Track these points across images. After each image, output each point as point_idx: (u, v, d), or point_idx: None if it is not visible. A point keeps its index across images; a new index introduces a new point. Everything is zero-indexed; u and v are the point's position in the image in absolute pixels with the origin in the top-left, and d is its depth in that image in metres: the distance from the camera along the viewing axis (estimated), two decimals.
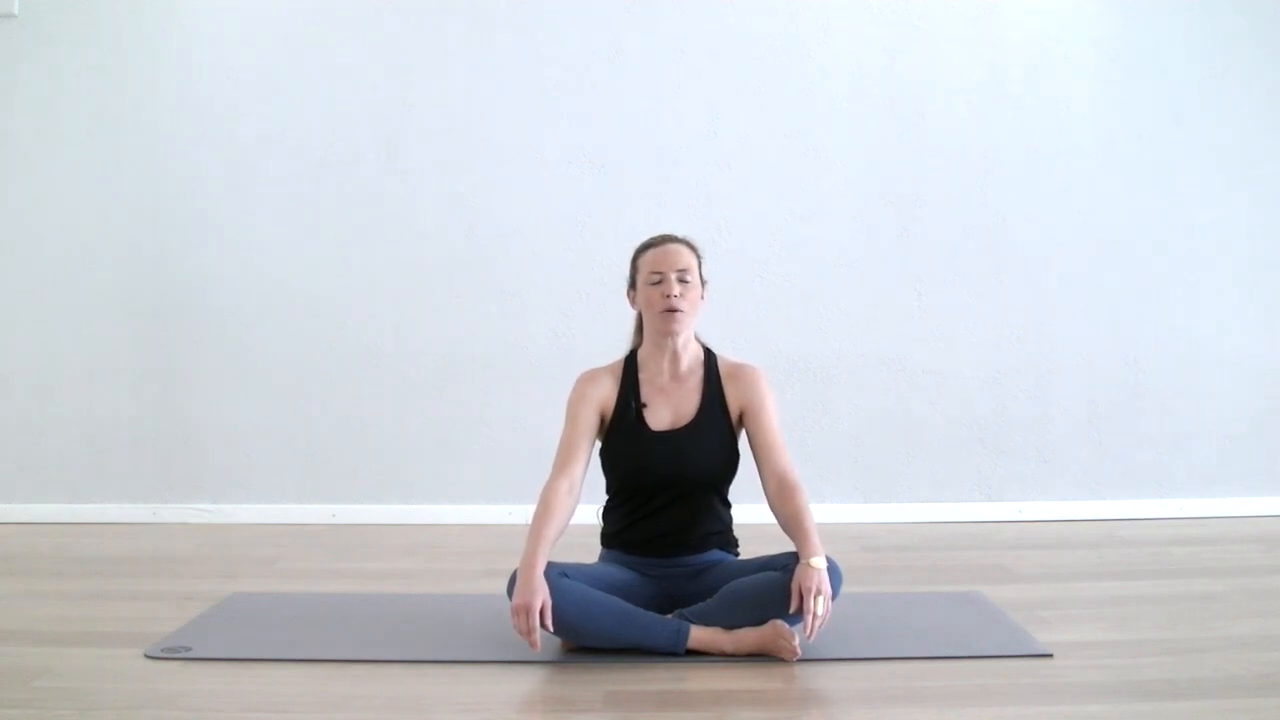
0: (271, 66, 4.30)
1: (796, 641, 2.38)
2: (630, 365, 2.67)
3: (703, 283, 2.63)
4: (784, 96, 4.27)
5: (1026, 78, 4.26)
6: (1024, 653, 2.46)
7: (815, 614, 2.33)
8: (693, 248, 2.64)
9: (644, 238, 2.69)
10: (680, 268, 2.57)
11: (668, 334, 2.59)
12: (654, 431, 2.60)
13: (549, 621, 2.36)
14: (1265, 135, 4.26)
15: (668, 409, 2.62)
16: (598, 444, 2.66)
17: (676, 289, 2.55)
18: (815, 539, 2.42)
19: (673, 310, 2.55)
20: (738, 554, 2.70)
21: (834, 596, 2.39)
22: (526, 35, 4.27)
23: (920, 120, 4.26)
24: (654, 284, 2.57)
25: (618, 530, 2.66)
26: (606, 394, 2.63)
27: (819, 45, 4.27)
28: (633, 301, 2.67)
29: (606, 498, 2.70)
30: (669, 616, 2.48)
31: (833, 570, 2.42)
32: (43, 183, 4.31)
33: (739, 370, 2.66)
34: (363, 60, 4.28)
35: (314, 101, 4.29)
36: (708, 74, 4.27)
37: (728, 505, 2.69)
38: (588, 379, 2.66)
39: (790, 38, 4.27)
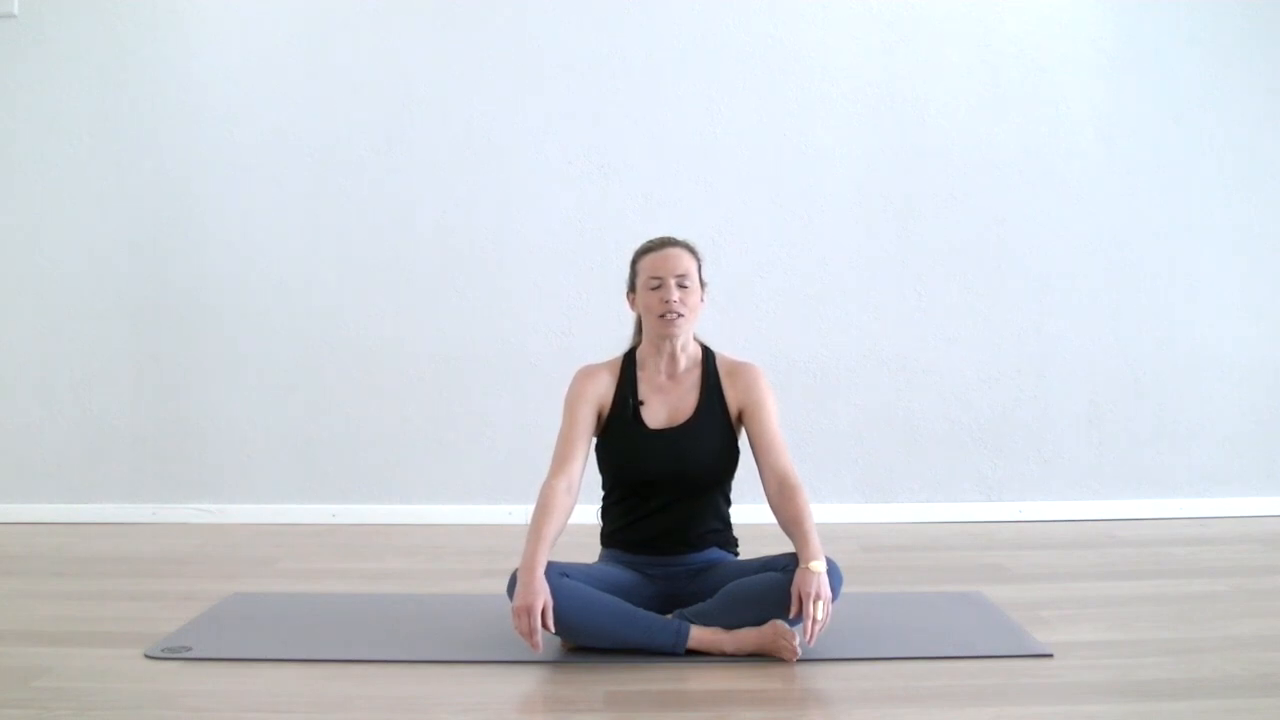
0: (271, 66, 4.30)
1: (797, 641, 2.38)
2: (629, 363, 2.67)
3: (702, 285, 2.63)
4: (784, 97, 4.27)
5: (1026, 77, 4.26)
6: (1024, 653, 2.46)
7: (815, 619, 2.33)
8: (692, 251, 2.64)
9: (644, 238, 2.69)
10: (679, 273, 2.56)
11: (667, 338, 2.59)
12: (651, 430, 2.60)
13: (550, 622, 2.36)
14: (1265, 135, 4.26)
15: (665, 407, 2.62)
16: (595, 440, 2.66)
17: (676, 294, 2.55)
18: (815, 541, 2.41)
19: (672, 316, 2.55)
20: (737, 554, 2.69)
21: (834, 599, 2.39)
22: (526, 36, 4.27)
23: (920, 120, 4.26)
24: (653, 289, 2.57)
25: (617, 529, 2.66)
26: (604, 390, 2.63)
27: (819, 45, 4.27)
28: (632, 304, 2.67)
29: (603, 494, 2.70)
30: (669, 616, 2.48)
31: (833, 572, 2.41)
32: (43, 183, 4.32)
33: (738, 369, 2.66)
34: (363, 60, 4.28)
35: (314, 101, 4.29)
36: (708, 75, 4.27)
37: (728, 502, 2.69)
38: (586, 375, 2.66)
39: (790, 38, 4.27)
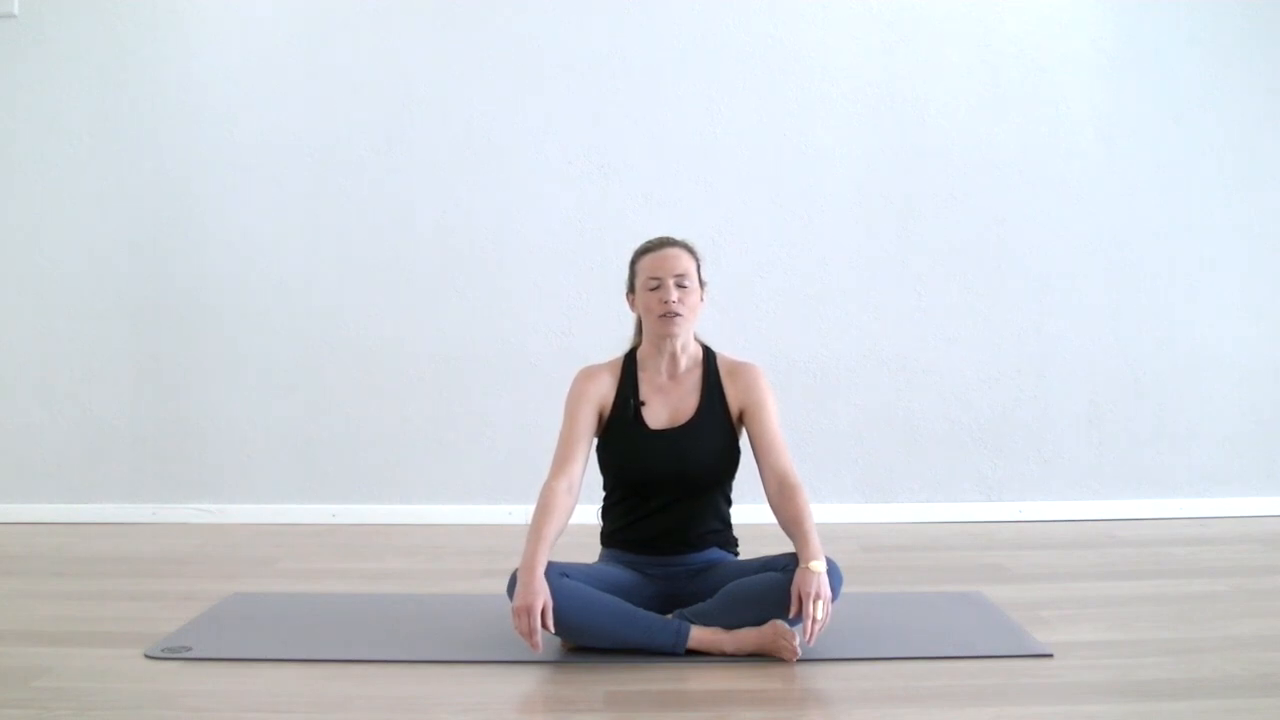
0: (271, 66, 4.30)
1: (797, 641, 2.38)
2: (630, 363, 2.67)
3: (701, 285, 2.63)
4: (784, 97, 4.27)
5: (1026, 77, 4.26)
6: (1024, 653, 2.46)
7: (815, 619, 2.33)
8: (691, 251, 2.64)
9: (644, 238, 2.69)
10: (678, 273, 2.57)
11: (666, 338, 2.59)
12: (652, 430, 2.60)
13: (550, 622, 2.36)
14: (1265, 135, 4.26)
15: (666, 408, 2.62)
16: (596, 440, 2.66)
17: (674, 295, 2.55)
18: (815, 541, 2.41)
19: (671, 316, 2.55)
20: (737, 554, 2.70)
21: (834, 599, 2.39)
22: (526, 36, 4.27)
23: (920, 120, 4.26)
24: (652, 289, 2.57)
25: (617, 529, 2.66)
26: (605, 391, 2.63)
27: (819, 45, 4.27)
28: (632, 305, 2.67)
29: (604, 495, 2.70)
30: (669, 616, 2.48)
31: (833, 572, 2.41)
32: (43, 183, 4.32)
33: (739, 369, 2.66)
34: (363, 60, 4.28)
35: (314, 101, 4.29)
36: (708, 74, 4.27)
37: (729, 502, 2.69)
38: (587, 376, 2.66)
39: (790, 38, 4.27)
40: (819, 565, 2.37)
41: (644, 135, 4.27)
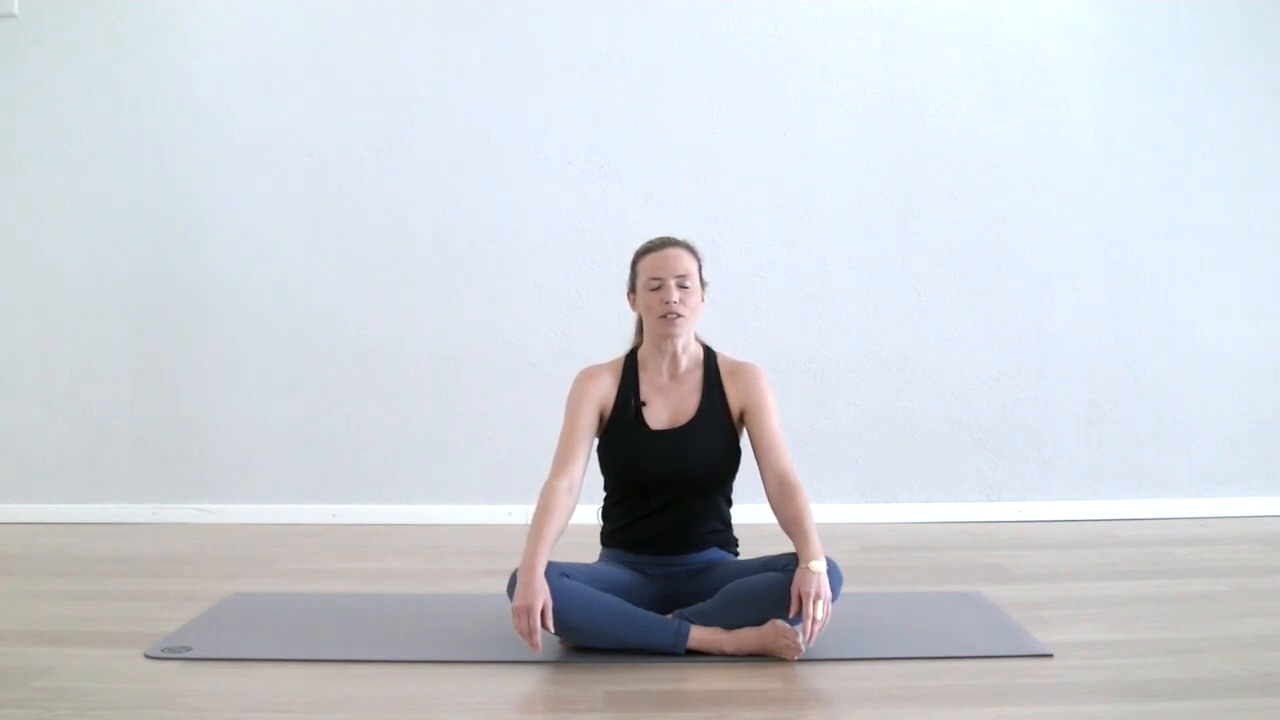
0: (271, 66, 4.30)
1: (798, 641, 2.37)
2: (631, 363, 2.67)
3: (703, 285, 2.64)
4: (784, 97, 4.27)
5: (1026, 77, 4.27)
6: (1024, 653, 2.46)
7: (815, 618, 2.33)
8: (692, 251, 2.64)
9: (644, 238, 2.69)
10: (679, 273, 2.57)
11: (668, 338, 2.59)
12: (653, 430, 2.60)
13: (549, 622, 2.36)
14: (1265, 135, 4.26)
15: (667, 408, 2.62)
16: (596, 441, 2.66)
17: (676, 295, 2.55)
18: (815, 541, 2.41)
19: (672, 316, 2.55)
20: (737, 554, 2.70)
21: (834, 599, 2.39)
22: (526, 36, 4.27)
23: (920, 120, 4.26)
24: (653, 290, 2.57)
25: (618, 529, 2.66)
26: (606, 391, 2.63)
27: (819, 45, 4.27)
28: (633, 305, 2.67)
29: (605, 495, 2.70)
30: (669, 616, 2.48)
31: (833, 572, 2.41)
32: (42, 183, 4.32)
33: (739, 369, 2.66)
34: (363, 60, 4.28)
35: (314, 101, 4.29)
36: (708, 75, 4.27)
37: (729, 502, 2.69)
38: (587, 376, 2.66)
39: (790, 38, 4.27)
40: (819, 565, 2.37)
41: (644, 135, 4.27)
